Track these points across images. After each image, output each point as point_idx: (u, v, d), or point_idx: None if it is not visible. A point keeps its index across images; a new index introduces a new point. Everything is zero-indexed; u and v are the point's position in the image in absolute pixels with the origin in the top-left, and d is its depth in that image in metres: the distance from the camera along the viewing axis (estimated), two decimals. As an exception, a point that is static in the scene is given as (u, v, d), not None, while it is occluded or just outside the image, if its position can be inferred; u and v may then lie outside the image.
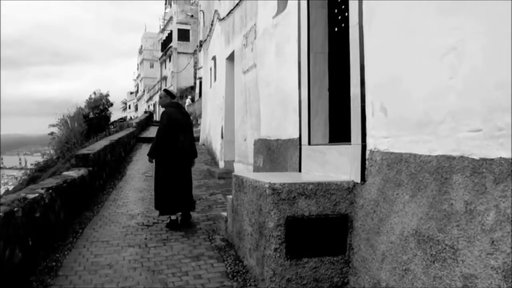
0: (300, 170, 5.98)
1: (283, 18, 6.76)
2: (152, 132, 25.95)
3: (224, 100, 13.02)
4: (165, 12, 58.32)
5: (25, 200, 4.94)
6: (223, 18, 13.23)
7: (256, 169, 8.19)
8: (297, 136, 6.20)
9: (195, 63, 42.00)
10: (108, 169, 11.22)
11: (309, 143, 5.79)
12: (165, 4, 58.85)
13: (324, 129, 5.91)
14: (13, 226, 4.44)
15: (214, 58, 16.10)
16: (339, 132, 5.80)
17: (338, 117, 5.83)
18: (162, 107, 7.52)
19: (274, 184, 4.34)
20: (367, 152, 4.37)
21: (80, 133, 32.02)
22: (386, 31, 4.07)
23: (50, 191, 5.82)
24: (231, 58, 12.48)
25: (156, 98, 58.58)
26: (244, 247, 5.28)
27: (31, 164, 36.46)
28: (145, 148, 18.70)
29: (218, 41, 14.77)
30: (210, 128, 17.19)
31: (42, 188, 5.71)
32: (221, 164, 13.44)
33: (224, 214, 6.40)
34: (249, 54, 10.15)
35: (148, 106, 64.53)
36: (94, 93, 41.43)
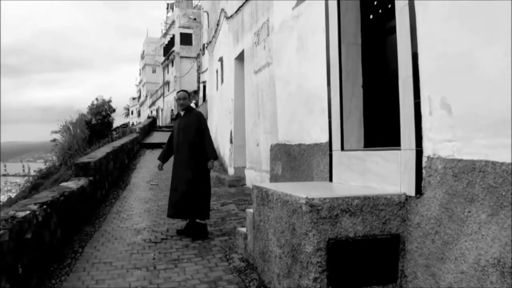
0: (331, 180, 5.21)
1: (305, 8, 5.99)
2: (156, 137, 25.25)
3: (233, 102, 12.27)
4: (167, 17, 57.73)
5: (14, 220, 4.19)
6: (231, 16, 12.50)
7: (274, 177, 7.42)
8: (325, 140, 5.44)
9: (198, 67, 41.28)
10: (111, 178, 10.46)
11: (342, 149, 5.02)
12: (167, 8, 58.25)
13: (359, 132, 5.14)
14: (-3, 253, 3.68)
15: (221, 60, 15.37)
16: (374, 135, 5.06)
17: (373, 118, 5.09)
18: (183, 110, 6.93)
19: (313, 199, 3.57)
20: (424, 159, 3.59)
21: (82, 139, 31.44)
22: (449, 6, 3.30)
23: (45, 206, 5.06)
24: (240, 58, 11.75)
25: (159, 104, 58.00)
26: (270, 271, 4.50)
27: (34, 171, 36.07)
28: (149, 154, 17.98)
29: (225, 41, 14.04)
30: (217, 133, 16.43)
31: (35, 204, 4.95)
32: (231, 171, 12.69)
33: (243, 230, 5.62)
34: (261, 52, 9.40)
35: (151, 112, 63.87)
36: (97, 99, 40.85)
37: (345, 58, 5.15)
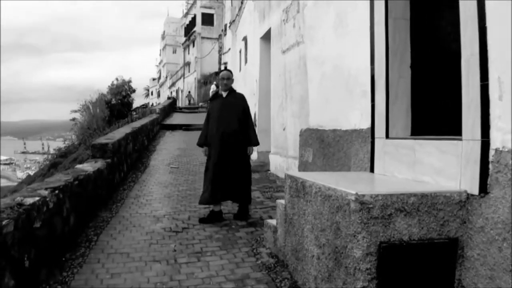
0: (372, 170, 4.67)
1: (346, -20, 5.41)
2: (176, 118, 24.86)
3: (257, 84, 11.73)
4: (188, -4, 57.00)
5: (21, 207, 3.75)
6: (258, -7, 11.90)
7: (303, 164, 6.91)
8: (366, 126, 4.90)
9: (220, 48, 40.62)
10: (130, 160, 10.05)
11: (387, 136, 4.47)
12: (189, -13, 57.49)
13: (406, 118, 4.59)
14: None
15: (245, 39, 14.80)
16: (423, 122, 4.52)
17: (422, 103, 4.54)
18: (226, 90, 6.53)
19: (363, 195, 3.05)
20: (491, 152, 3.03)
21: (102, 119, 31.29)
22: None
23: (57, 192, 4.62)
24: (266, 37, 11.18)
25: (179, 85, 57.61)
26: (305, 271, 4.01)
27: (54, 149, 36.19)
28: (169, 136, 17.59)
29: (250, 20, 13.46)
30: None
31: (47, 189, 4.51)
32: (254, 156, 12.19)
33: (272, 222, 5.13)
34: (291, 31, 8.83)
35: (171, 92, 63.59)
36: (117, 79, 40.67)
37: (392, 34, 4.57)
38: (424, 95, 4.55)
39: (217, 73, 42.50)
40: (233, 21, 17.62)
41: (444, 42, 4.28)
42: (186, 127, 19.97)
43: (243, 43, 15.17)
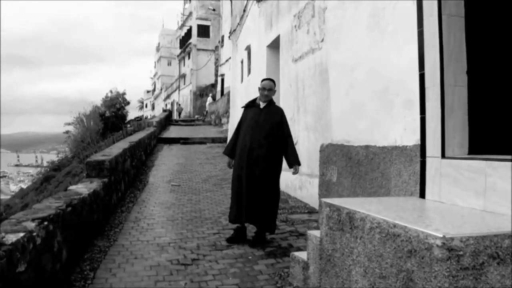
0: (422, 196, 3.92)
1: (382, -27, 4.70)
2: (173, 131, 24.10)
3: (264, 95, 10.98)
4: (184, 8, 56.46)
5: (0, 248, 2.96)
6: (264, -1, 11.21)
7: (325, 184, 6.15)
8: (412, 143, 4.16)
9: (216, 60, 40.13)
10: (128, 177, 9.25)
11: (443, 155, 3.72)
12: (184, -1, 56.98)
13: (462, 133, 3.85)
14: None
15: (248, 48, 14.10)
16: (480, 138, 3.81)
17: (480, 115, 3.84)
18: (264, 102, 5.98)
19: (452, 239, 2.29)
20: None
21: (96, 132, 30.64)
22: None
23: (46, 223, 3.83)
24: (274, 45, 10.48)
25: (175, 97, 56.91)
26: (352, 324, 3.23)
27: (47, 162, 35.55)
28: (167, 150, 16.81)
29: (254, 28, 12.77)
30: (240, 129, 15.14)
31: (34, 220, 3.72)
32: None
33: (301, 256, 4.35)
34: (304, 37, 8.12)
35: (166, 105, 62.88)
36: (111, 91, 40.12)
37: (446, 35, 3.85)
38: (481, 106, 3.84)
39: (213, 85, 41.94)
40: (234, 30, 16.92)
41: (505, 44, 3.60)
42: (184, 141, 19.20)
43: (245, 52, 14.47)
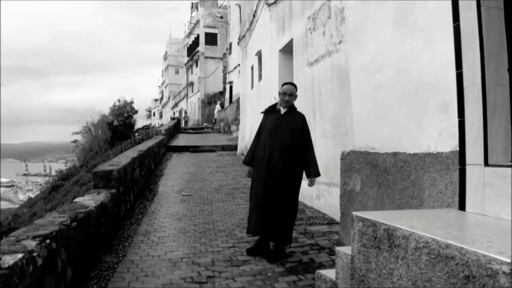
0: (462, 208, 3.53)
1: (410, -34, 4.34)
2: (181, 140, 23.79)
3: (277, 101, 10.62)
4: (191, 16, 56.34)
5: (-6, 272, 2.61)
6: (275, 2, 10.89)
7: (348, 194, 5.77)
8: (449, 149, 3.79)
9: (224, 67, 39.88)
10: (136, 188, 8.90)
11: (486, 163, 3.34)
12: (192, 8, 56.83)
13: (505, 138, 3.46)
14: None
15: (258, 54, 13.76)
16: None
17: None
18: (285, 107, 5.66)
19: (527, 265, 1.91)
20: None
21: (104, 140, 30.47)
22: None
23: (48, 241, 3.48)
24: (287, 49, 10.13)
25: (182, 105, 56.75)
26: None
27: (55, 171, 35.46)
28: (176, 159, 16.48)
29: (265, 32, 12.44)
30: (252, 136, 14.78)
31: (34, 238, 3.38)
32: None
33: (328, 275, 3.96)
34: (320, 40, 7.77)
35: (174, 113, 62.69)
36: (119, 100, 40.01)
37: (486, 29, 3.49)
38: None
39: (221, 93, 41.68)
40: (243, 36, 16.61)
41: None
42: (194, 149, 18.87)
43: (256, 58, 14.13)
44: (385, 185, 4.85)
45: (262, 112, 5.92)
